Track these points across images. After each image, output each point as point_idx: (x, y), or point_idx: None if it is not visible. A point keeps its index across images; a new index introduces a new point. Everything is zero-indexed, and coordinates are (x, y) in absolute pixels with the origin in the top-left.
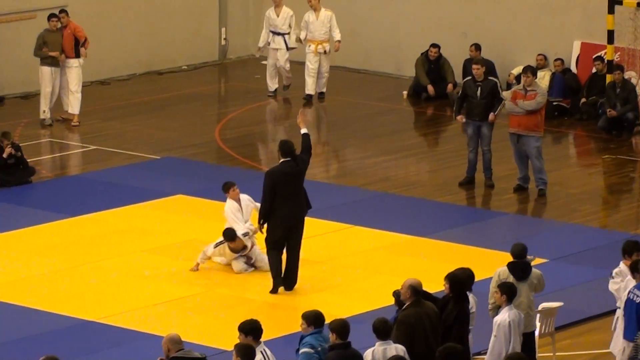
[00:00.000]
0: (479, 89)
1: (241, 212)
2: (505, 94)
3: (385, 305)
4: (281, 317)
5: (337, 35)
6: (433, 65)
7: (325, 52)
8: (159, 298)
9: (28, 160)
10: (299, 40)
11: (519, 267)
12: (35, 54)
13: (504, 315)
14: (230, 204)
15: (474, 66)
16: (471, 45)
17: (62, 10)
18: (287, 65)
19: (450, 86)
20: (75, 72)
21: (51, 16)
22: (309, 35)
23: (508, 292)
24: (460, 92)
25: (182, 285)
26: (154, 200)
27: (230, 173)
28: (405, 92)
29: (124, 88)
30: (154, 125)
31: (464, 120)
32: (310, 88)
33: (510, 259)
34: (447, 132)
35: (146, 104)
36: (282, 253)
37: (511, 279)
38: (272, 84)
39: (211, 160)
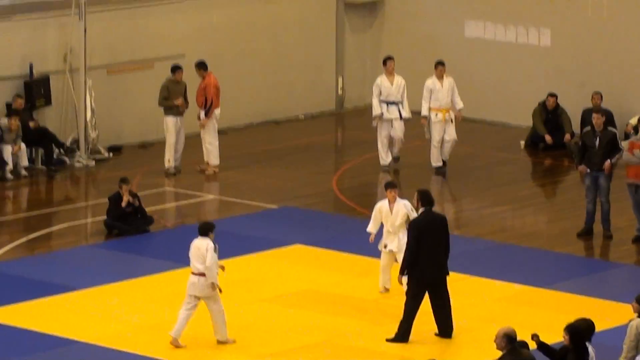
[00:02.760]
0: (598, 139)
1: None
2: (623, 144)
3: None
4: None
5: (460, 103)
6: (550, 114)
7: (452, 120)
8: (278, 347)
9: (146, 209)
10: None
11: None
12: (160, 104)
13: None
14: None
15: (595, 115)
16: (594, 93)
17: (200, 63)
18: (402, 136)
19: (567, 136)
20: (208, 124)
21: (175, 68)
22: (435, 104)
23: None
24: (580, 142)
25: (301, 335)
26: (271, 250)
27: (348, 223)
28: (522, 142)
29: (241, 137)
30: (271, 174)
31: (587, 170)
32: (436, 160)
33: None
34: (564, 182)
35: (263, 154)
36: (418, 307)
37: None
38: (387, 157)
39: (329, 209)
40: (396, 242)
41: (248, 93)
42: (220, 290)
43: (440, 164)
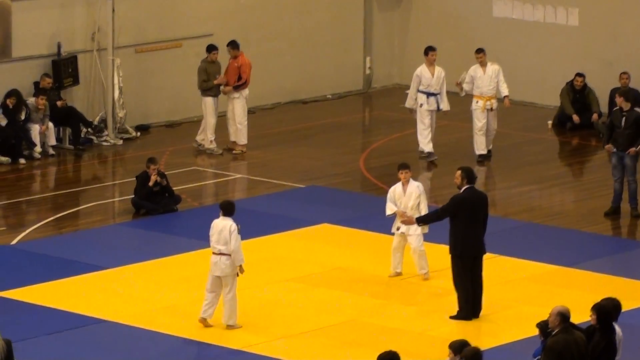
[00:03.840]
0: (624, 119)
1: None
2: None
3: (529, 336)
4: (426, 347)
5: (505, 90)
6: (578, 94)
7: (492, 109)
8: (304, 327)
9: (174, 188)
10: (461, 89)
11: None
12: (200, 86)
13: None
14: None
15: (617, 97)
16: (622, 73)
17: (230, 43)
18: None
19: (595, 116)
20: (238, 104)
21: (211, 48)
22: (476, 91)
23: None
24: (608, 121)
25: (327, 314)
26: (299, 229)
27: (375, 202)
28: (550, 122)
29: (268, 117)
30: (299, 154)
31: (613, 149)
32: (480, 147)
33: None
34: (592, 161)
35: (291, 133)
36: (469, 281)
37: None
38: (427, 146)
39: (356, 189)
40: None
41: (276, 73)
42: (242, 272)
43: (484, 152)
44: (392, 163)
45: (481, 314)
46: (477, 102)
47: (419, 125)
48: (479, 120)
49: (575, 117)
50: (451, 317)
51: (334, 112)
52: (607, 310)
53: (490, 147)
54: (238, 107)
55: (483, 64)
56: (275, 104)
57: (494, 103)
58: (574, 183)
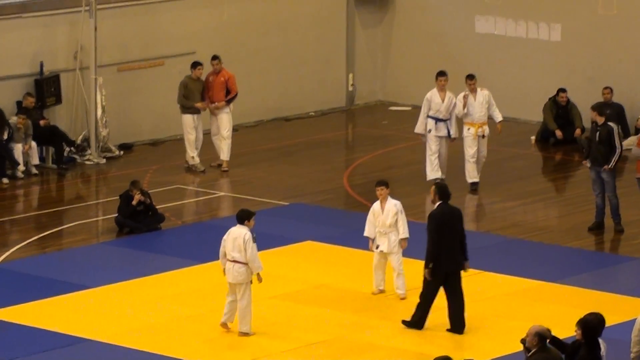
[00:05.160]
0: (598, 133)
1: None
2: (631, 139)
3: (513, 352)
4: None
5: (499, 116)
6: (561, 110)
7: (484, 135)
8: (288, 344)
9: (157, 206)
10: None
11: None
12: (180, 101)
13: None
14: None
15: (591, 111)
16: (605, 88)
17: (215, 57)
18: (445, 156)
19: (578, 131)
20: (226, 118)
21: (196, 64)
22: (467, 118)
23: None
24: (589, 137)
25: (311, 331)
26: (283, 247)
27: (359, 219)
28: (533, 137)
29: (252, 134)
30: (282, 171)
31: (588, 165)
32: (472, 175)
33: None
34: (575, 177)
35: (274, 150)
36: (434, 295)
37: None
38: (435, 172)
39: (340, 206)
40: (387, 243)
41: (259, 90)
42: (260, 280)
43: (476, 179)
44: (375, 180)
45: (465, 329)
46: (468, 129)
47: (427, 151)
48: (471, 148)
49: (559, 133)
50: (403, 322)
51: (317, 129)
52: (593, 325)
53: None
54: (226, 120)
55: (473, 91)
56: (258, 121)
57: (486, 130)
58: (558, 198)
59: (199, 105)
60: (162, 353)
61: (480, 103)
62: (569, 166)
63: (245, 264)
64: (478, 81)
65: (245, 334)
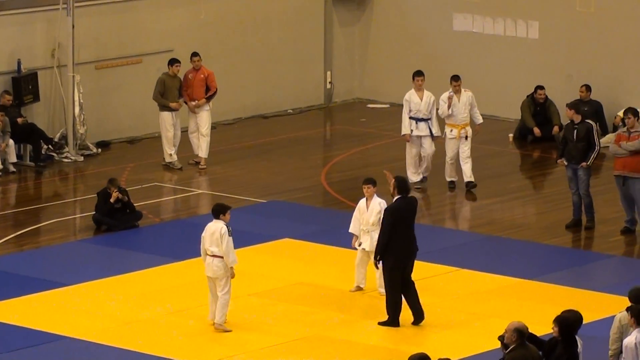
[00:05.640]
0: (576, 131)
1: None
2: (609, 137)
3: (491, 349)
4: None
5: (479, 118)
6: (539, 107)
7: (467, 137)
8: (265, 342)
9: (135, 204)
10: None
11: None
12: (155, 98)
13: (632, 338)
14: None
15: (567, 109)
16: (582, 86)
17: (196, 54)
18: (431, 155)
19: (556, 128)
20: (206, 115)
21: (173, 61)
22: (450, 119)
23: (638, 315)
24: (562, 135)
25: (289, 329)
26: (260, 244)
27: (337, 217)
28: (511, 135)
29: (230, 132)
30: (260, 169)
31: (565, 163)
32: (450, 175)
33: (627, 303)
34: (553, 174)
35: (252, 148)
36: (401, 290)
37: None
38: (416, 175)
39: (317, 203)
40: (369, 241)
41: (236, 88)
42: (233, 275)
43: (454, 178)
44: (353, 177)
45: (444, 325)
46: (451, 130)
47: (407, 154)
48: (451, 150)
49: (536, 130)
50: (379, 323)
51: (295, 127)
52: (570, 322)
53: (472, 177)
54: (205, 118)
55: (458, 92)
56: (236, 119)
57: (469, 130)
58: (536, 196)
59: (173, 105)
60: (141, 350)
61: (464, 104)
62: (546, 164)
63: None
64: (467, 89)
65: (221, 327)
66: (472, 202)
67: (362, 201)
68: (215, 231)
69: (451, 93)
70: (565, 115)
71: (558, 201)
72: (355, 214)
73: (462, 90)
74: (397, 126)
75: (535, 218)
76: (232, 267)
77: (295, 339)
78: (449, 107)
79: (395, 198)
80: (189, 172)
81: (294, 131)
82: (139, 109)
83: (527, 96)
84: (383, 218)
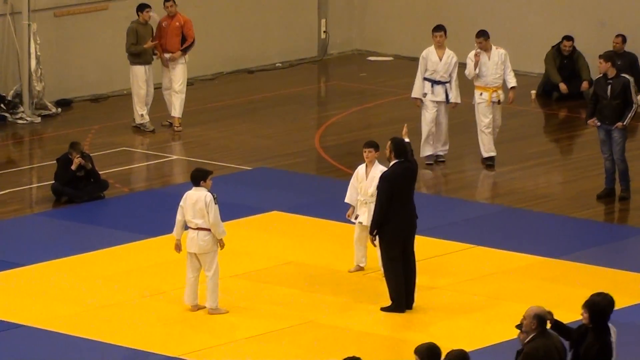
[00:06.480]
0: (610, 87)
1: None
2: None
3: (509, 339)
4: (389, 352)
5: (512, 81)
6: (566, 60)
7: (499, 101)
8: (252, 330)
9: (100, 172)
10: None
11: None
12: (129, 50)
13: None
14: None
15: (599, 60)
16: (616, 36)
17: None
18: (446, 124)
19: (585, 84)
20: (180, 69)
21: (143, 6)
22: (479, 81)
23: None
24: (592, 91)
25: (279, 316)
26: (244, 218)
27: (333, 186)
28: (533, 92)
29: (209, 89)
30: (244, 131)
31: (597, 124)
32: (488, 149)
33: None
34: (582, 137)
35: (235, 107)
36: (401, 269)
37: None
38: (428, 148)
39: (310, 171)
40: (367, 214)
41: (217, 38)
42: (222, 246)
43: (492, 154)
44: (351, 141)
45: (457, 311)
46: (480, 94)
47: (422, 122)
48: (485, 116)
49: (563, 86)
50: (382, 309)
51: (285, 83)
52: (601, 307)
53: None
54: (180, 72)
55: (486, 49)
56: (216, 73)
57: (501, 95)
58: (562, 162)
59: (148, 45)
60: (112, 341)
61: (495, 63)
62: (575, 124)
63: (210, 230)
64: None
65: (216, 311)
66: (489, 169)
67: (361, 167)
68: (198, 200)
69: (478, 50)
70: (597, 69)
71: (588, 168)
72: (353, 181)
73: (494, 47)
74: (402, 81)
75: (562, 187)
76: (221, 239)
77: (285, 326)
78: (475, 66)
79: (392, 163)
80: (162, 135)
81: (283, 88)
82: (105, 62)
83: (553, 47)
84: (378, 186)
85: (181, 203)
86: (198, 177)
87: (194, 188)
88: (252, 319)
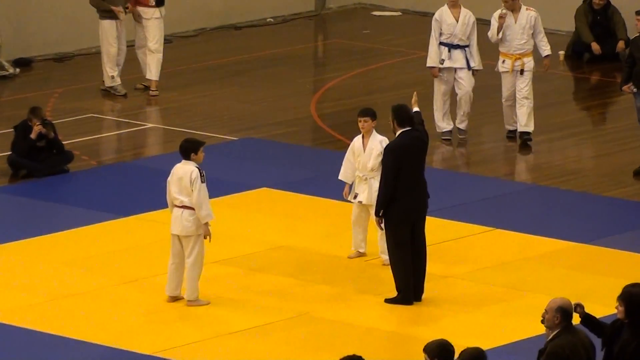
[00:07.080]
0: None
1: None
2: None
3: (532, 336)
4: (394, 350)
5: (546, 48)
6: (599, 16)
7: (522, 71)
8: (239, 324)
9: (64, 142)
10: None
11: None
12: (94, 3)
13: None
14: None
15: (636, 17)
16: None
17: None
18: (469, 93)
19: (621, 44)
20: (154, 25)
21: None
22: (503, 46)
23: None
24: (628, 53)
25: (269, 307)
26: (230, 195)
27: (330, 159)
28: (562, 53)
29: (189, 47)
30: (229, 96)
31: (633, 90)
32: (507, 120)
33: None
34: (617, 104)
35: (219, 69)
36: (410, 256)
37: None
38: (445, 123)
39: (305, 142)
40: (367, 192)
41: None
42: (208, 234)
43: (511, 127)
44: (352, 108)
45: (473, 303)
46: (503, 61)
47: (435, 92)
48: (505, 87)
49: (595, 46)
50: (386, 301)
51: (277, 41)
52: (639, 299)
53: (532, 125)
54: (155, 28)
55: (514, 10)
56: (198, 30)
57: (527, 63)
58: (594, 133)
59: (116, 9)
60: (81, 338)
61: (522, 27)
62: (608, 90)
63: None
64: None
65: (195, 302)
66: (512, 140)
67: (357, 139)
68: (183, 176)
69: (504, 11)
70: (634, 27)
71: (623, 140)
72: (348, 155)
73: (524, 8)
74: (410, 40)
75: (594, 162)
76: (206, 223)
77: (275, 320)
78: (499, 29)
79: (398, 133)
80: (135, 99)
81: (275, 47)
82: (70, 16)
83: (584, 1)
84: (382, 160)
85: (168, 178)
86: (188, 149)
87: (182, 161)
88: (238, 311)
